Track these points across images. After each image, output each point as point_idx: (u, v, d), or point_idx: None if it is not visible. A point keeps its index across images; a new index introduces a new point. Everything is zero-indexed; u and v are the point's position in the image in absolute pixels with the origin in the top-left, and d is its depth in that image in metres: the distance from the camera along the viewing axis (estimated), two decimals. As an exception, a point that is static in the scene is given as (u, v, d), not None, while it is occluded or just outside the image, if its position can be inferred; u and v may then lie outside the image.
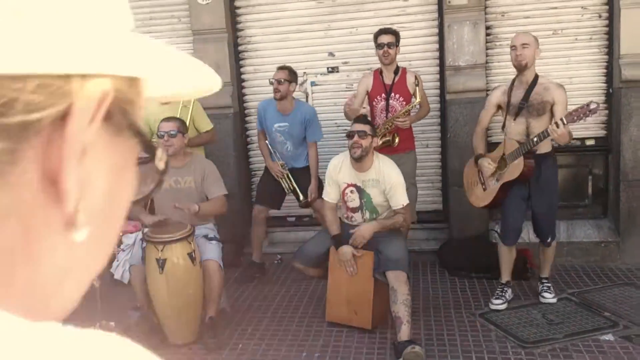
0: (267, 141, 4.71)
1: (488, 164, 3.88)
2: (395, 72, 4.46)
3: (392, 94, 4.43)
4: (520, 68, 3.75)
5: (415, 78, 4.30)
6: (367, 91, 4.53)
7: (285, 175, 4.61)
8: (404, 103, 4.37)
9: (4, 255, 0.32)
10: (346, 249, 3.65)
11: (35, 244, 0.33)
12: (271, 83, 4.49)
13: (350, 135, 3.64)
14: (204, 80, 0.41)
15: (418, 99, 4.24)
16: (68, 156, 0.33)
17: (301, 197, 4.57)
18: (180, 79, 0.40)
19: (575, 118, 3.52)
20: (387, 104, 4.42)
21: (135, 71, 0.36)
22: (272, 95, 4.55)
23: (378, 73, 4.52)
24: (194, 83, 0.41)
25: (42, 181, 0.33)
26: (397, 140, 4.31)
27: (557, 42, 4.94)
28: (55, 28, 0.31)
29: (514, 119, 3.81)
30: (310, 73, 5.22)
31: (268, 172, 4.77)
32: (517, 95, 3.79)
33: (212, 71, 0.41)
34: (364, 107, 4.44)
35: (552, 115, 3.73)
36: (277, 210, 5.04)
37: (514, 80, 3.86)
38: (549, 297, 3.99)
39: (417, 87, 4.23)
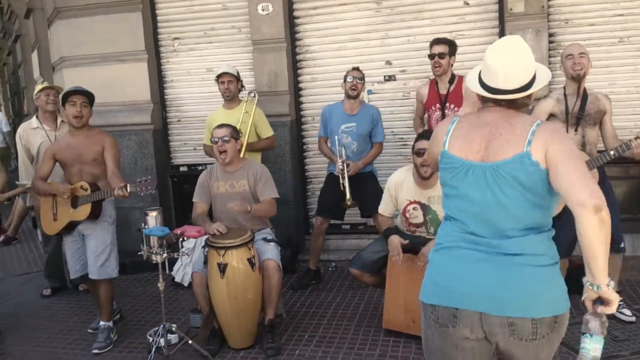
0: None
1: None
2: (451, 82, 4.34)
3: (447, 104, 4.31)
4: (578, 78, 3.67)
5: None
6: (422, 102, 4.51)
7: (345, 171, 4.46)
8: None
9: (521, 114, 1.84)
10: (394, 238, 3.68)
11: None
12: (347, 81, 4.59)
13: (418, 153, 3.55)
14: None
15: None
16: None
17: (347, 197, 4.42)
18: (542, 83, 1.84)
19: None
20: (443, 114, 4.31)
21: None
22: (334, 101, 4.73)
23: (434, 83, 4.46)
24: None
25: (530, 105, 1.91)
26: None
27: (623, 49, 4.81)
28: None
29: (575, 130, 3.72)
30: (367, 81, 5.25)
31: (329, 183, 4.72)
32: (574, 105, 3.70)
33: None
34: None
35: (601, 124, 3.71)
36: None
37: (564, 91, 3.77)
38: (627, 315, 3.79)
39: None
